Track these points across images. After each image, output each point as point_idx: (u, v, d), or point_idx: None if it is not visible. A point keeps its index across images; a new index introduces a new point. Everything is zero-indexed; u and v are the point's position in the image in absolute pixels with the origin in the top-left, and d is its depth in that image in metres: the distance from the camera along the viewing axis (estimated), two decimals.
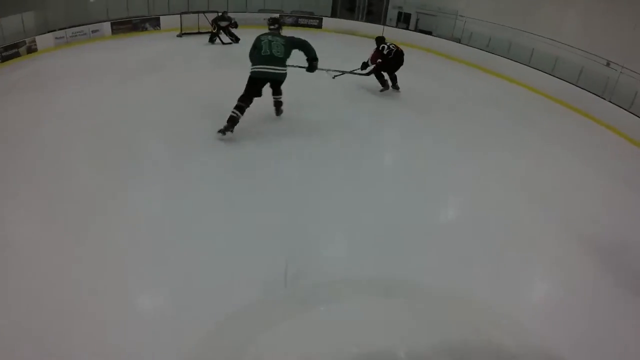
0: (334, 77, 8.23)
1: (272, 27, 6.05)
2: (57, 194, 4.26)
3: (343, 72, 8.21)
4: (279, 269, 3.25)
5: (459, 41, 12.36)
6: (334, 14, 15.51)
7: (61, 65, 9.07)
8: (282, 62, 5.71)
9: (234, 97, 5.61)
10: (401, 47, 8.12)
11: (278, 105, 6.43)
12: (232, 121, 5.63)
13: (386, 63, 7.97)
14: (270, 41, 5.68)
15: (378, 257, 3.71)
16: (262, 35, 5.82)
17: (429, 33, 13.17)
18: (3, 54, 9.28)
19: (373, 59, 8.06)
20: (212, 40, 11.68)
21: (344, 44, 12.84)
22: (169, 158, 5.32)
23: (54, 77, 8.26)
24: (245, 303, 2.67)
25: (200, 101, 6.96)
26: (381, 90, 8.27)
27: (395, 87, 8.41)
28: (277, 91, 6.24)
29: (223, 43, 11.67)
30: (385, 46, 7.94)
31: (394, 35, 13.03)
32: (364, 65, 8.23)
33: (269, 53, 5.62)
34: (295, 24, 14.64)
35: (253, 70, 5.68)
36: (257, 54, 5.67)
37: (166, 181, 4.75)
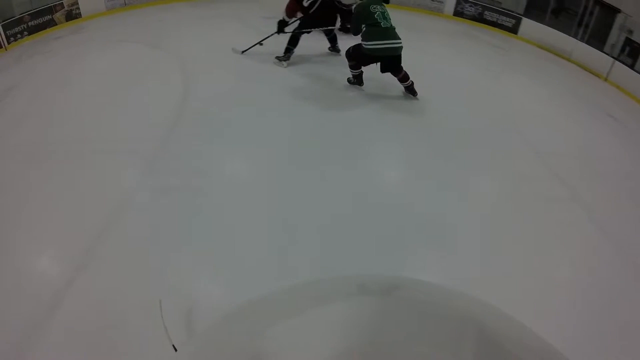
0: (242, 52, 6.33)
1: None
2: None
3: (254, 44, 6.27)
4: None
5: None
6: (529, 13, 9.09)
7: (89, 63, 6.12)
8: (396, 33, 5.31)
9: None
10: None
11: (411, 89, 5.63)
12: (358, 78, 5.68)
13: (308, 18, 5.82)
14: (382, 12, 5.21)
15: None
16: (368, 4, 5.21)
17: None
18: (30, 24, 6.88)
19: (289, 11, 5.95)
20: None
21: (547, 75, 7.33)
22: None
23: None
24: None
25: None
26: (280, 60, 6.06)
27: (335, 49, 6.52)
28: (398, 71, 5.43)
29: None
30: None
31: (612, 74, 7.53)
32: (282, 24, 6.10)
33: (389, 25, 5.21)
34: (478, 19, 9.25)
35: (371, 47, 5.16)
36: (374, 27, 5.11)
37: None
